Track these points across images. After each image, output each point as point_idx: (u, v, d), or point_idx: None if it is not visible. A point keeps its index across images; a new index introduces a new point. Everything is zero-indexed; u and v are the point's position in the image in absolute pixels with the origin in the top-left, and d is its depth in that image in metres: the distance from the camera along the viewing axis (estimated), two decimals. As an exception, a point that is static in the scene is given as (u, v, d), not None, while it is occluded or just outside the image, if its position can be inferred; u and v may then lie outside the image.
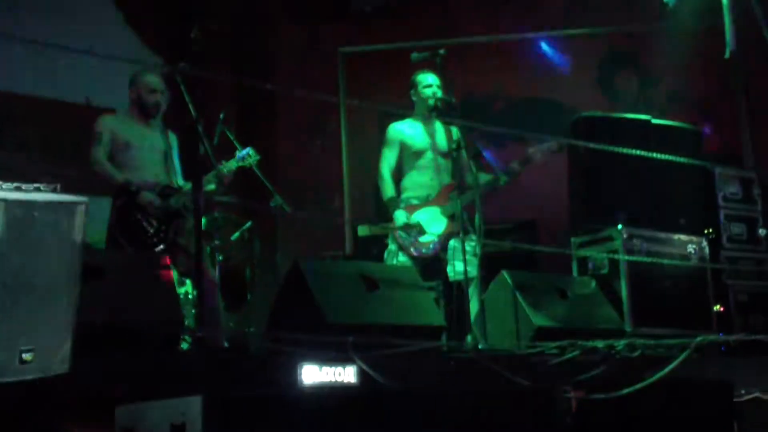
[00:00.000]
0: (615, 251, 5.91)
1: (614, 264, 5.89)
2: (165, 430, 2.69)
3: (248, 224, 7.45)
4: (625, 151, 5.28)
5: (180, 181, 5.76)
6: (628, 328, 5.44)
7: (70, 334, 2.86)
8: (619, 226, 5.98)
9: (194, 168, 4.58)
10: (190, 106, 4.56)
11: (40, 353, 2.76)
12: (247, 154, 5.80)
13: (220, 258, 7.07)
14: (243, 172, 6.35)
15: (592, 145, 5.52)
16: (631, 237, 5.99)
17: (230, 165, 5.71)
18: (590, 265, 6.08)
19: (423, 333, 4.23)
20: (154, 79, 5.75)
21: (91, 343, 3.14)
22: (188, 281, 6.08)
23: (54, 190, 3.01)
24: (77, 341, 2.88)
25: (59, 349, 2.81)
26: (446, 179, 5.98)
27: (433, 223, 5.86)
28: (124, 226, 5.44)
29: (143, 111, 5.73)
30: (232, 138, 6.56)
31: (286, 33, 9.35)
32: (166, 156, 5.75)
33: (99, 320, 3.25)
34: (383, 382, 3.66)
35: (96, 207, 5.84)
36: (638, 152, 5.24)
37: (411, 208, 5.93)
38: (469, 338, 4.64)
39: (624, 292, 5.79)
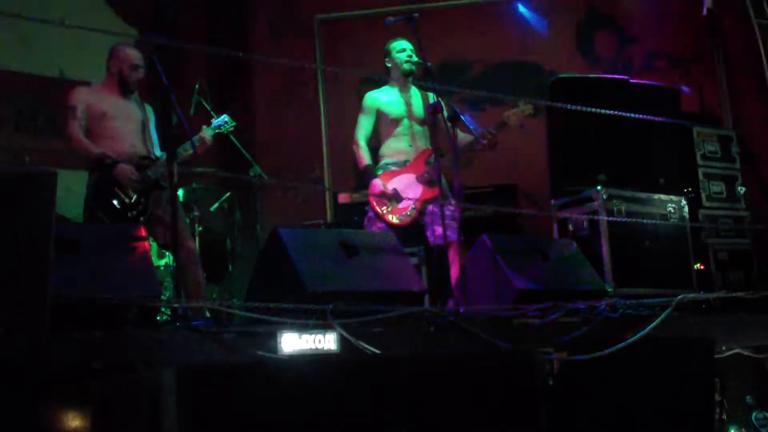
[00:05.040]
0: (595, 212, 5.90)
1: (594, 225, 5.89)
2: (140, 403, 2.67)
3: (228, 195, 7.42)
4: (603, 111, 5.26)
5: (158, 152, 5.71)
6: (609, 289, 5.45)
7: (43, 308, 2.83)
8: (599, 187, 5.98)
9: (168, 138, 4.53)
10: (163, 76, 4.50)
11: (13, 327, 2.73)
12: (223, 121, 5.76)
13: (200, 229, 7.05)
14: (221, 142, 6.31)
15: (570, 107, 5.48)
16: (610, 198, 5.99)
17: (207, 132, 5.67)
18: (571, 227, 6.09)
19: (404, 298, 4.21)
20: (136, 54, 5.68)
21: (66, 316, 3.11)
22: (168, 253, 6.05)
23: (24, 163, 2.97)
24: (52, 315, 2.85)
25: (32, 323, 2.78)
26: (423, 145, 5.95)
27: (409, 189, 5.83)
28: (102, 200, 5.40)
29: (123, 85, 5.66)
30: (208, 108, 6.51)
31: (262, 1, 9.26)
32: (143, 127, 5.70)
33: (74, 293, 3.21)
34: (364, 349, 3.65)
35: (73, 181, 5.81)
36: (617, 113, 5.23)
37: (387, 175, 5.90)
38: (450, 303, 4.64)
39: (605, 253, 5.80)
